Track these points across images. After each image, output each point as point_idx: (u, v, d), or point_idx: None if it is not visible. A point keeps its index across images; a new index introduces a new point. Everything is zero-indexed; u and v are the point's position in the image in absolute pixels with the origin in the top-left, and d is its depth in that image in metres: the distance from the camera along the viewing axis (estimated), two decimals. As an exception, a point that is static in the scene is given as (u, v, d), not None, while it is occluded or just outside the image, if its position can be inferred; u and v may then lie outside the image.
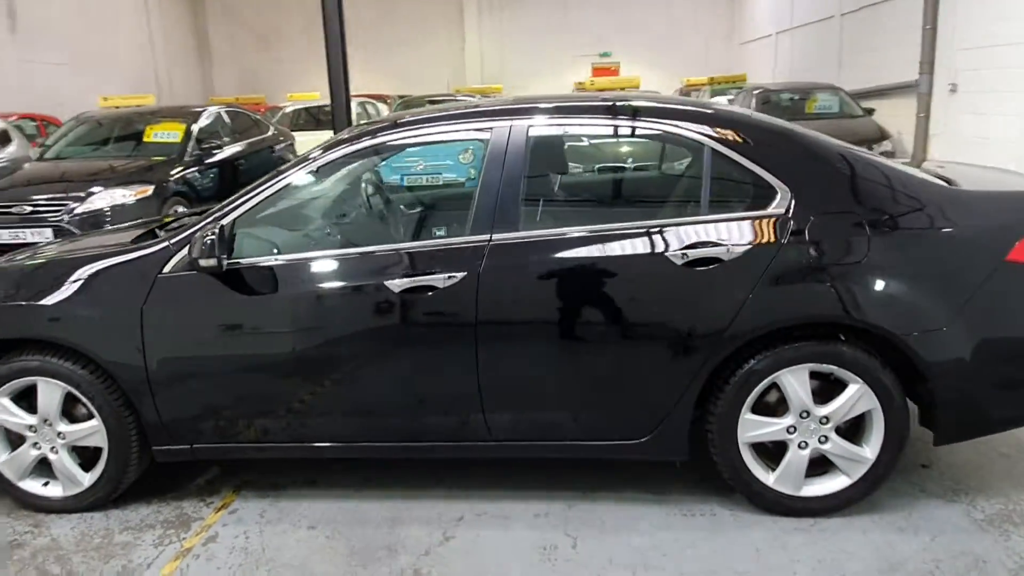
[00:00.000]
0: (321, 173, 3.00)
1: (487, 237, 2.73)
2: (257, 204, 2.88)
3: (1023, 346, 2.69)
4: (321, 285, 2.79)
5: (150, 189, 7.00)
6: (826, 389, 2.70)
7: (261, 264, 2.81)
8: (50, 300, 2.87)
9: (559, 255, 2.71)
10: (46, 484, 3.03)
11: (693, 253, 2.64)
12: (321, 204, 3.44)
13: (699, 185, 2.79)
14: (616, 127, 2.95)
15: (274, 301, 2.79)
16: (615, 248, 2.69)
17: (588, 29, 22.04)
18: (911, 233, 2.64)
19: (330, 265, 2.82)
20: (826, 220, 2.65)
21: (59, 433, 2.94)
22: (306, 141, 10.51)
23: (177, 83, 22.11)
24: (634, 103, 2.89)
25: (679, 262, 2.64)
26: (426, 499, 3.01)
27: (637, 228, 2.72)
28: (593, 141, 3.08)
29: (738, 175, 2.75)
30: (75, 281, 2.89)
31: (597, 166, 3.29)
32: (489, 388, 2.76)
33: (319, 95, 17.15)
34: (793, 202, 2.67)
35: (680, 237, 2.67)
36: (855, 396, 2.67)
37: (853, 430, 2.75)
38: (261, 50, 23.74)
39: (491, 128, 2.85)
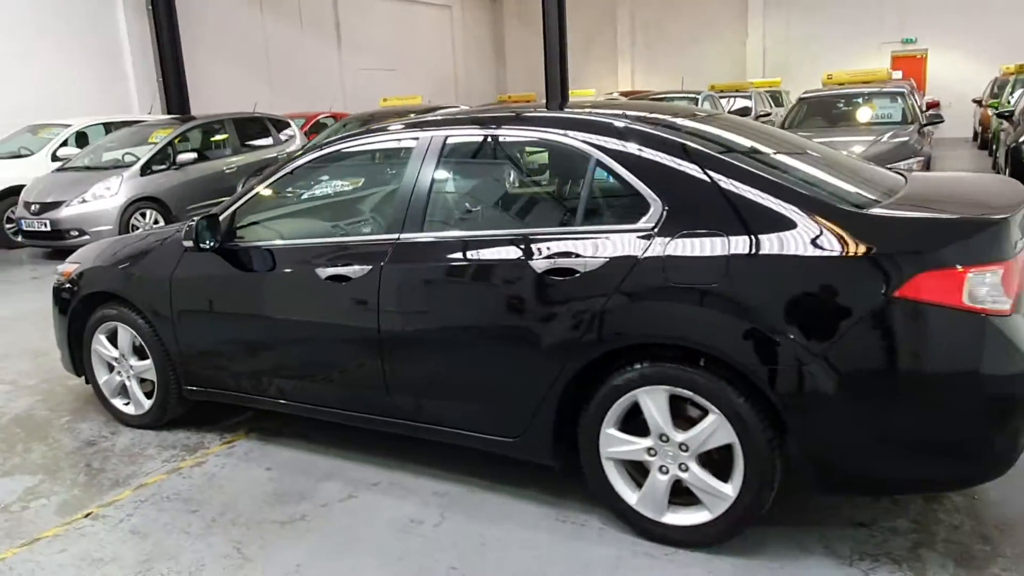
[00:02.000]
0: (296, 176, 3.52)
1: (396, 236, 3.05)
2: (246, 202, 3.50)
3: (915, 400, 2.30)
4: (277, 268, 3.33)
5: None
6: (695, 415, 2.58)
7: (240, 247, 3.44)
8: (123, 266, 3.81)
9: (444, 256, 2.93)
10: (127, 404, 4.01)
11: (551, 263, 2.69)
12: (293, 201, 3.93)
13: (583, 194, 2.79)
14: (515, 137, 3.05)
15: (244, 277, 3.41)
16: (490, 253, 2.84)
17: (889, 14, 19.78)
18: (777, 258, 2.40)
19: (286, 252, 3.35)
20: (689, 238, 2.52)
21: (131, 366, 3.90)
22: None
23: (474, 83, 24.43)
24: (535, 112, 2.96)
25: (540, 271, 2.71)
26: (367, 463, 3.43)
27: (511, 235, 2.84)
28: (502, 150, 3.19)
29: (619, 187, 2.71)
30: (140, 253, 3.80)
31: (497, 174, 3.37)
32: (390, 371, 3.08)
33: (593, 92, 17.95)
34: (664, 218, 2.58)
35: (546, 247, 2.73)
36: (712, 426, 2.52)
37: (727, 463, 2.58)
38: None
39: (417, 138, 3.14)
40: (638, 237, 2.59)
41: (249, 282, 3.42)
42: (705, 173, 2.58)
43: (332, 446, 3.61)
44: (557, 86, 10.50)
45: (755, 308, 2.41)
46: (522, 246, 2.78)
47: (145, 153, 9.50)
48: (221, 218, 3.47)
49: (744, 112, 14.72)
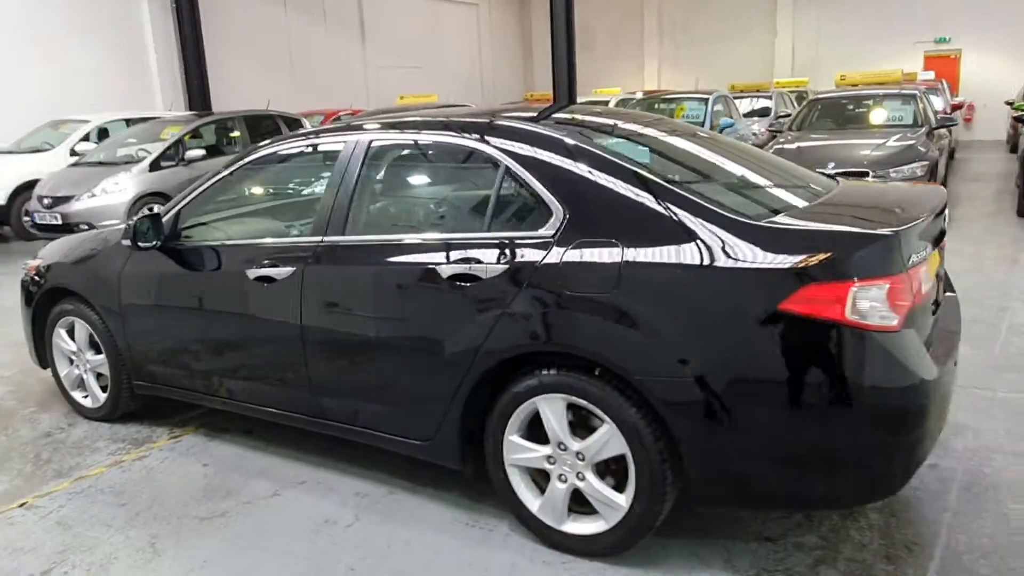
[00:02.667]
0: (236, 177, 3.57)
1: (319, 239, 3.08)
2: (190, 202, 3.57)
3: (798, 414, 2.26)
4: (212, 268, 3.39)
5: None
6: (596, 425, 2.56)
7: (181, 247, 3.50)
8: (79, 262, 3.91)
9: (361, 260, 2.96)
10: (85, 396, 4.11)
11: (456, 269, 2.70)
12: (234, 202, 3.95)
13: (492, 200, 2.79)
14: (434, 143, 3.04)
15: (183, 276, 3.47)
16: (401, 258, 2.86)
17: (922, 13, 19.27)
18: (667, 268, 2.37)
19: (221, 253, 3.39)
20: (585, 246, 2.50)
21: (87, 360, 4.00)
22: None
23: (501, 80, 24.44)
24: (453, 118, 2.96)
25: (445, 276, 2.72)
26: (300, 462, 3.47)
27: (423, 240, 2.86)
28: (422, 155, 3.19)
29: (526, 193, 2.70)
30: (95, 250, 3.89)
31: (416, 179, 3.36)
32: (313, 372, 3.12)
33: (619, 90, 17.86)
34: (564, 225, 2.57)
35: (453, 252, 2.74)
36: (605, 436, 2.51)
37: (624, 474, 2.56)
38: (577, 47, 25.05)
39: (344, 141, 3.17)
40: (538, 244, 2.58)
41: (187, 281, 3.48)
42: (608, 181, 2.56)
43: (272, 443, 3.66)
44: (564, 86, 10.45)
45: (644, 318, 2.38)
46: (432, 251, 2.79)
47: (156, 149, 9.70)
48: (165, 218, 3.54)
49: (764, 113, 14.51)
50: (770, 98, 14.88)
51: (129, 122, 11.56)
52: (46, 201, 9.17)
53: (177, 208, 3.58)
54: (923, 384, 2.25)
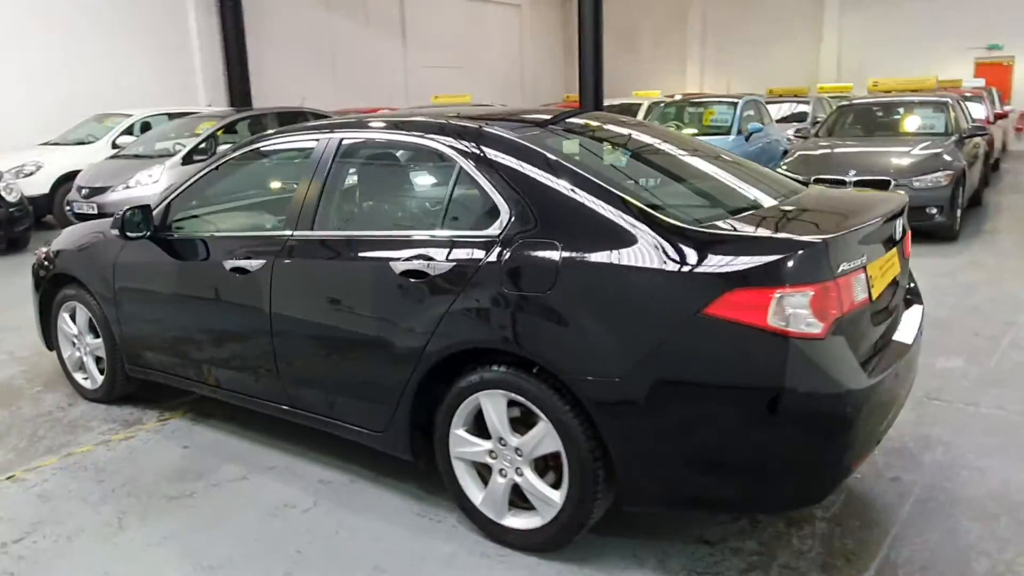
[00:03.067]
0: (221, 171, 3.70)
1: (290, 233, 3.19)
2: (180, 194, 3.72)
3: (719, 418, 2.28)
4: (195, 258, 3.53)
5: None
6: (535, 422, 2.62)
7: (168, 238, 3.65)
8: (81, 249, 4.10)
9: (324, 254, 3.06)
10: (85, 378, 4.31)
11: (407, 265, 2.78)
12: (217, 195, 4.07)
13: (447, 198, 2.86)
14: (397, 141, 3.13)
15: (169, 266, 3.62)
16: (361, 253, 2.95)
17: (974, 19, 18.69)
18: (603, 270, 2.41)
19: (203, 244, 3.53)
20: (527, 246, 2.55)
21: (87, 344, 4.20)
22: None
23: (541, 81, 24.47)
24: (411, 118, 3.04)
25: (398, 272, 2.80)
26: (273, 448, 3.59)
27: (381, 237, 2.95)
28: (386, 154, 3.27)
29: (477, 193, 2.76)
30: (95, 239, 4.07)
31: (380, 177, 3.43)
32: (281, 361, 3.23)
33: (659, 93, 17.76)
34: (509, 225, 2.62)
35: (407, 249, 2.82)
36: (540, 433, 2.56)
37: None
38: (620, 49, 24.94)
39: (318, 139, 3.27)
40: (484, 244, 2.65)
41: (172, 271, 3.63)
42: (552, 183, 2.61)
43: (251, 430, 3.79)
44: (590, 88, 10.46)
45: (576, 319, 2.43)
46: (388, 248, 2.88)
47: (191, 143, 10.01)
48: (156, 210, 3.70)
49: (801, 118, 14.27)
50: (808, 103, 14.62)
51: (171, 116, 11.95)
52: (84, 191, 9.54)
53: (168, 200, 3.74)
54: (848, 394, 2.25)
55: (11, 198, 9.08)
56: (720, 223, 2.46)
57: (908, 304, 3.12)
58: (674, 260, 2.31)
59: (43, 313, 4.42)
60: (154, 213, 3.68)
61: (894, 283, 2.82)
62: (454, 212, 2.84)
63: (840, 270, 2.28)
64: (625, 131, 3.42)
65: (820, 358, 2.22)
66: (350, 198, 3.15)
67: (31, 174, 10.56)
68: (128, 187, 9.39)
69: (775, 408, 2.22)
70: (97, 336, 4.11)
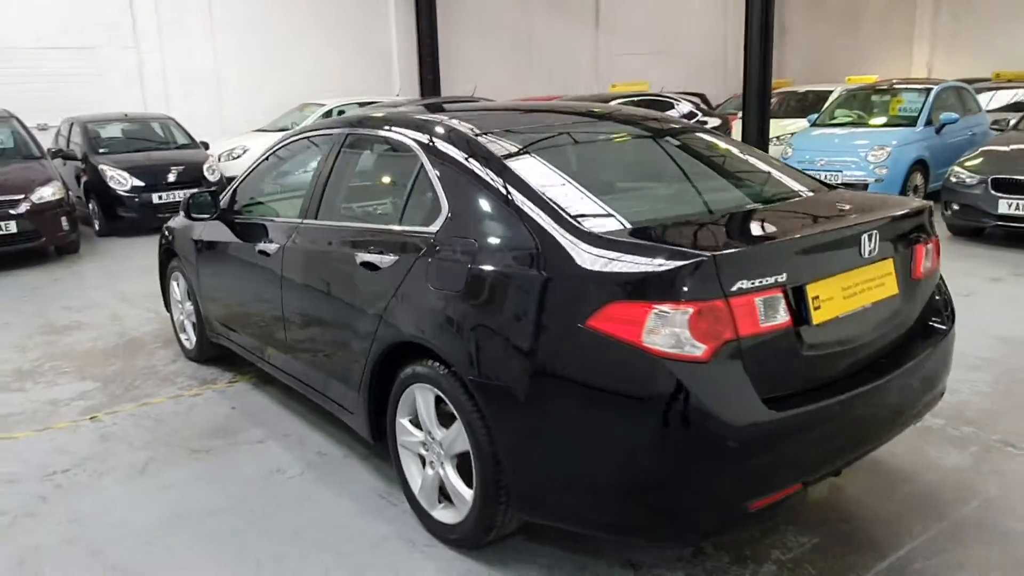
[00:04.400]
0: (272, 160, 4.03)
1: (300, 221, 3.44)
2: (244, 180, 4.12)
3: (590, 438, 2.16)
4: (243, 239, 3.90)
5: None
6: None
7: (230, 220, 4.07)
8: (181, 226, 4.67)
9: (320, 241, 3.27)
10: (187, 339, 4.92)
11: (365, 256, 2.90)
12: (271, 182, 4.36)
13: (407, 193, 2.92)
14: (378, 136, 3.21)
15: (227, 245, 4.04)
16: (340, 242, 3.12)
17: None
18: (508, 273, 2.36)
19: (250, 227, 3.89)
20: (452, 245, 2.57)
21: (185, 309, 4.80)
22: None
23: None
24: (392, 114, 3.12)
25: (358, 263, 2.93)
26: (299, 417, 3.90)
27: (352, 228, 3.10)
28: (375, 148, 3.35)
29: (429, 188, 2.80)
30: (185, 221, 4.63)
31: (371, 170, 3.45)
32: (289, 337, 3.51)
33: (876, 77, 16.29)
34: (445, 222, 2.65)
35: (368, 241, 2.94)
36: (456, 431, 2.58)
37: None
38: (836, 32, 22.97)
39: (331, 133, 3.48)
40: (423, 239, 2.70)
41: (227, 250, 4.05)
42: (484, 182, 2.59)
43: (292, 398, 4.13)
44: (756, 75, 9.80)
45: (479, 320, 2.41)
46: (355, 238, 3.02)
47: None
48: (225, 192, 4.14)
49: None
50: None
51: (360, 105, 12.99)
52: (271, 173, 10.72)
53: (235, 186, 4.16)
54: (734, 427, 2.03)
55: (212, 178, 10.40)
56: (632, 232, 2.30)
57: (927, 330, 2.71)
58: (570, 268, 2.22)
59: (163, 280, 5.11)
60: (224, 196, 4.13)
61: (885, 304, 2.47)
62: (411, 207, 2.91)
63: (736, 288, 2.05)
64: (622, 128, 3.27)
65: (700, 384, 2.03)
66: (340, 190, 3.32)
67: (238, 157, 12.00)
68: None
69: (649, 435, 2.07)
70: (191, 303, 4.69)
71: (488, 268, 2.42)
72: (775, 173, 3.04)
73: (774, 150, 10.34)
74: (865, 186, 9.04)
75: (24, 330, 5.73)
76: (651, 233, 2.29)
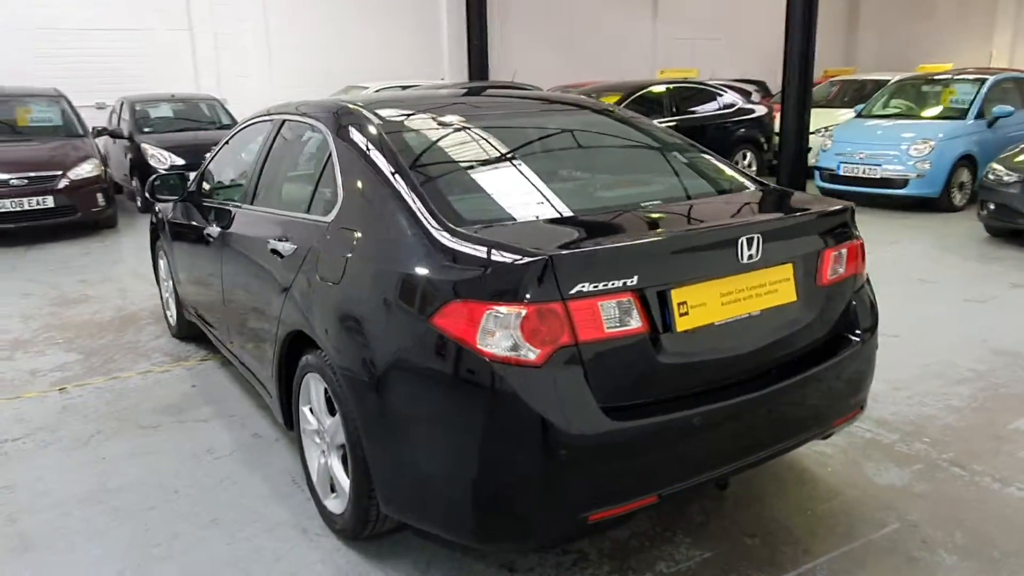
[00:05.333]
0: (229, 145, 4.08)
1: (239, 205, 3.49)
2: (206, 166, 4.19)
3: (427, 439, 2.14)
4: (199, 221, 3.97)
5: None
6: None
7: (191, 202, 4.15)
8: (164, 207, 4.78)
9: (242, 226, 3.32)
10: (171, 316, 5.06)
11: (273, 244, 2.91)
12: (229, 167, 4.30)
13: (315, 180, 2.91)
14: (298, 123, 3.20)
15: (187, 227, 4.13)
16: (258, 228, 3.15)
17: None
18: (373, 264, 2.34)
19: (205, 210, 3.96)
20: (340, 235, 2.55)
21: (168, 287, 4.93)
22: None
23: (821, 52, 22.28)
24: (307, 102, 3.12)
25: (268, 250, 2.95)
26: (249, 398, 3.97)
27: (272, 214, 3.11)
28: (294, 135, 3.34)
29: (331, 178, 2.78)
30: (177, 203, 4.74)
31: (287, 158, 3.37)
32: (228, 318, 3.57)
33: (951, 66, 15.49)
34: (338, 211, 2.63)
35: (278, 228, 2.95)
36: (336, 423, 2.57)
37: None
38: (912, 19, 21.85)
39: (270, 121, 3.50)
40: (318, 228, 2.69)
41: (186, 231, 4.14)
42: (375, 171, 2.55)
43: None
44: (797, 62, 9.39)
45: (349, 312, 2.39)
46: (271, 226, 3.04)
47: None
48: (195, 175, 4.23)
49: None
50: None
51: (403, 88, 13.08)
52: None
53: (202, 169, 4.24)
54: (567, 435, 1.96)
55: (248, 158, 10.67)
56: (494, 227, 2.23)
57: (839, 341, 2.55)
58: (424, 263, 2.17)
59: (153, 258, 5.27)
60: (193, 179, 4.22)
61: (780, 311, 2.34)
62: (318, 195, 2.89)
63: (575, 291, 1.96)
64: (556, 117, 3.19)
65: (534, 390, 1.96)
66: (270, 176, 3.34)
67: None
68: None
69: (483, 439, 2.01)
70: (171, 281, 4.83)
71: (362, 261, 2.39)
72: (702, 170, 2.91)
73: (815, 141, 9.92)
74: (904, 182, 8.60)
75: (38, 301, 6.02)
76: (503, 230, 2.21)
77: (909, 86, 10.20)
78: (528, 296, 1.94)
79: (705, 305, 2.18)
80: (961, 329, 4.82)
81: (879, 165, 8.75)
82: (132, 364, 4.57)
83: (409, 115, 2.96)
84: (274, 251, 2.90)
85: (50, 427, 3.72)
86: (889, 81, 12.28)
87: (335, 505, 2.71)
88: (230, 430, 3.64)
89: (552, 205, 2.43)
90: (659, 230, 2.22)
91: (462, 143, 2.82)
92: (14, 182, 8.10)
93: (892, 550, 2.59)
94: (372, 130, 2.73)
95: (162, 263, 4.99)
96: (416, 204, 2.34)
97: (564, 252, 1.98)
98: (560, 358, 1.96)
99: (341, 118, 2.88)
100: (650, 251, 2.11)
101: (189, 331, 4.81)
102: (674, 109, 10.43)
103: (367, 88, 13.02)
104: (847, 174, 9.05)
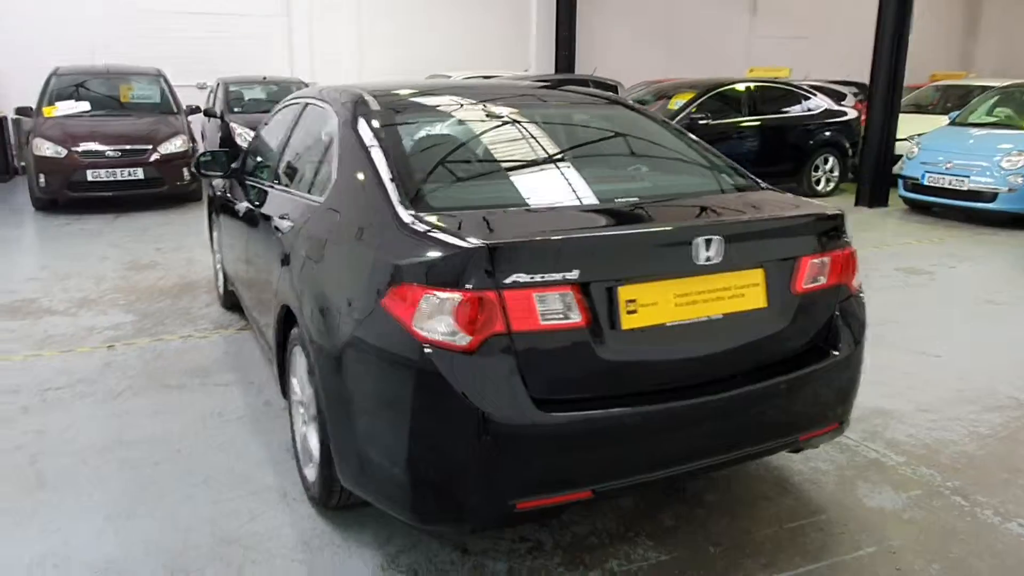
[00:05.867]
0: (267, 127, 4.25)
1: (271, 184, 3.65)
2: (250, 146, 4.40)
3: (374, 414, 2.21)
4: (235, 199, 4.19)
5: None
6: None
7: (240, 180, 4.36)
8: (215, 185, 5.05)
9: (261, 202, 3.49)
10: (219, 286, 5.35)
11: (277, 222, 3.05)
12: (262, 149, 4.43)
13: (319, 162, 3.02)
14: (316, 107, 3.30)
15: (226, 200, 4.36)
16: (267, 206, 3.32)
17: None
18: (344, 245, 2.45)
19: (241, 188, 4.16)
20: (326, 215, 2.65)
21: (217, 260, 5.21)
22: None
23: (928, 56, 21.08)
24: (327, 88, 3.21)
25: (272, 225, 3.09)
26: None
27: (283, 192, 3.25)
28: (312, 119, 3.42)
29: (332, 158, 2.87)
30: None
31: (305, 140, 3.42)
32: (255, 294, 3.75)
33: None
34: (330, 194, 2.74)
35: (284, 206, 3.09)
36: (312, 394, 2.67)
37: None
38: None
39: (297, 103, 3.64)
40: (312, 208, 2.80)
41: (230, 208, 4.36)
42: (364, 156, 2.63)
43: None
44: (885, 64, 8.94)
45: (323, 288, 2.49)
46: (279, 203, 3.19)
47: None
48: (242, 154, 4.45)
49: None
50: None
51: (485, 78, 13.23)
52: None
53: (247, 149, 4.46)
54: (493, 423, 1.99)
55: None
56: (461, 215, 2.27)
57: (816, 352, 2.47)
58: (384, 246, 2.24)
59: (209, 229, 5.57)
60: (240, 158, 4.43)
61: (746, 317, 2.29)
62: (320, 177, 3.00)
63: (511, 281, 1.98)
64: (545, 110, 3.20)
65: (464, 375, 2.00)
66: (291, 157, 3.48)
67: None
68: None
69: (416, 419, 2.07)
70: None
71: (337, 241, 2.49)
72: (695, 169, 2.86)
73: (901, 148, 9.43)
74: (993, 195, 8.07)
75: (113, 264, 6.47)
76: (461, 217, 2.24)
77: (1017, 93, 9.52)
78: (463, 283, 1.98)
79: (657, 304, 2.16)
80: (1015, 355, 4.52)
81: (967, 176, 8.24)
82: (178, 328, 4.86)
83: (416, 105, 3.03)
84: (276, 228, 3.04)
85: (90, 380, 4.02)
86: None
87: (310, 473, 2.83)
88: (245, 396, 3.83)
89: (524, 196, 2.45)
90: (605, 225, 2.20)
91: (456, 134, 2.87)
92: (109, 153, 8.71)
93: (858, 573, 2.49)
94: (373, 119, 2.81)
95: (214, 236, 5.27)
96: (390, 189, 2.41)
97: (501, 242, 2.00)
98: (493, 346, 1.99)
99: (349, 105, 2.97)
100: (593, 246, 2.11)
101: (231, 301, 5.06)
102: (753, 109, 10.11)
103: (450, 77, 13.24)
104: (932, 184, 8.56)
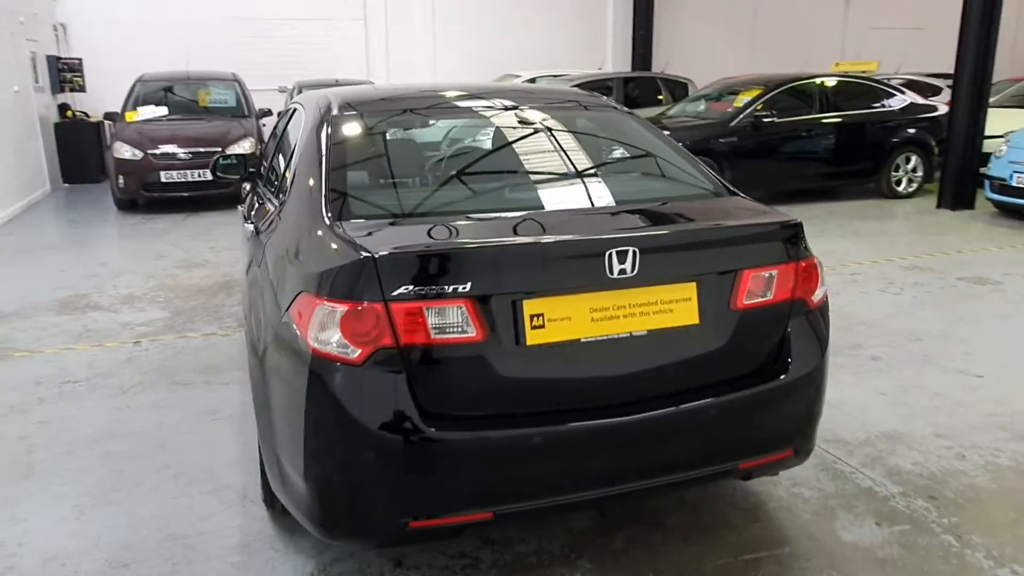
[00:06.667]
0: (273, 137, 4.32)
1: (260, 187, 3.73)
2: (265, 149, 4.50)
3: (279, 422, 2.19)
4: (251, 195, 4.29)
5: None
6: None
7: (250, 182, 4.48)
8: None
9: (251, 204, 3.54)
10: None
11: (247, 225, 3.09)
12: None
13: (290, 168, 3.03)
14: (302, 110, 3.30)
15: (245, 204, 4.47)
16: (252, 206, 3.37)
17: None
18: (275, 255, 2.45)
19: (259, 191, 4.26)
20: (272, 219, 2.69)
21: (249, 259, 5.37)
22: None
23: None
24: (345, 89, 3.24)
25: (250, 229, 3.14)
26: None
27: (265, 195, 3.30)
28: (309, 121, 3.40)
29: (295, 163, 2.88)
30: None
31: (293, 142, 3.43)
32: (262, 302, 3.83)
33: None
34: (284, 198, 2.75)
35: (256, 209, 3.13)
36: (260, 397, 2.70)
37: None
38: None
39: (298, 106, 3.67)
40: (271, 210, 2.83)
41: (245, 207, 4.48)
42: (317, 161, 2.62)
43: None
44: (971, 59, 8.27)
45: (254, 294, 2.53)
46: (257, 206, 3.24)
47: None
48: (255, 155, 4.57)
49: None
50: None
51: (555, 77, 13.13)
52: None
53: (263, 152, 4.57)
54: (375, 437, 1.94)
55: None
56: (372, 225, 2.22)
57: (763, 372, 2.29)
58: (302, 255, 2.23)
59: (247, 231, 5.75)
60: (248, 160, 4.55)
61: (674, 334, 2.14)
62: (285, 181, 2.99)
63: (398, 293, 1.92)
64: (520, 113, 3.08)
65: (351, 389, 1.95)
66: (272, 162, 3.52)
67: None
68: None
69: (308, 432, 2.04)
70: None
71: (273, 246, 2.51)
72: (648, 176, 2.71)
73: (989, 145, 8.71)
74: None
75: (167, 263, 6.79)
76: (362, 229, 2.18)
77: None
78: (350, 294, 1.94)
79: (571, 319, 2.05)
80: (1068, 376, 4.08)
81: (1057, 178, 7.54)
82: (205, 326, 5.04)
83: (382, 112, 2.99)
84: (252, 231, 3.09)
85: (108, 374, 4.22)
86: None
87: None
88: (244, 395, 3.91)
89: (447, 205, 2.39)
90: (511, 237, 2.10)
91: (410, 141, 2.83)
92: (181, 155, 9.16)
93: (808, 615, 2.30)
94: (331, 125, 2.80)
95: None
96: (323, 197, 2.39)
97: (387, 253, 1.94)
98: (380, 359, 1.94)
99: (314, 111, 2.98)
100: (492, 258, 2.01)
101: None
102: (828, 106, 9.58)
103: (520, 77, 13.22)
104: (1020, 186, 7.87)
